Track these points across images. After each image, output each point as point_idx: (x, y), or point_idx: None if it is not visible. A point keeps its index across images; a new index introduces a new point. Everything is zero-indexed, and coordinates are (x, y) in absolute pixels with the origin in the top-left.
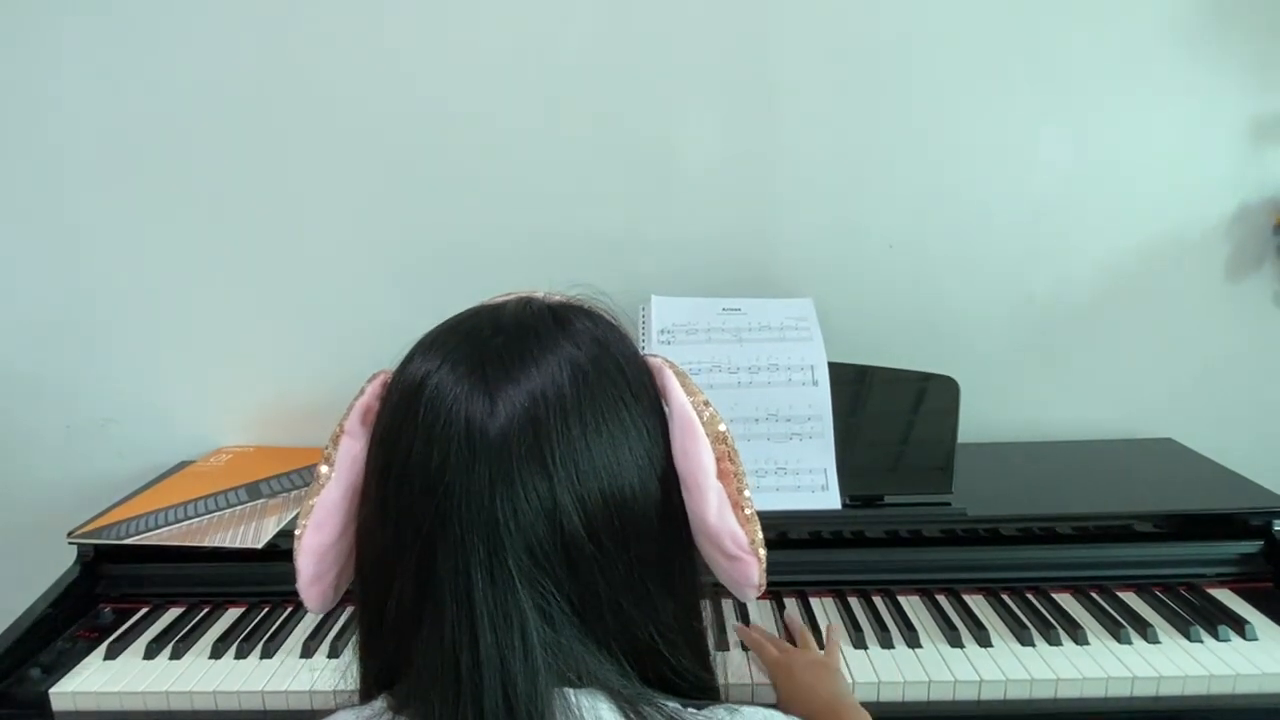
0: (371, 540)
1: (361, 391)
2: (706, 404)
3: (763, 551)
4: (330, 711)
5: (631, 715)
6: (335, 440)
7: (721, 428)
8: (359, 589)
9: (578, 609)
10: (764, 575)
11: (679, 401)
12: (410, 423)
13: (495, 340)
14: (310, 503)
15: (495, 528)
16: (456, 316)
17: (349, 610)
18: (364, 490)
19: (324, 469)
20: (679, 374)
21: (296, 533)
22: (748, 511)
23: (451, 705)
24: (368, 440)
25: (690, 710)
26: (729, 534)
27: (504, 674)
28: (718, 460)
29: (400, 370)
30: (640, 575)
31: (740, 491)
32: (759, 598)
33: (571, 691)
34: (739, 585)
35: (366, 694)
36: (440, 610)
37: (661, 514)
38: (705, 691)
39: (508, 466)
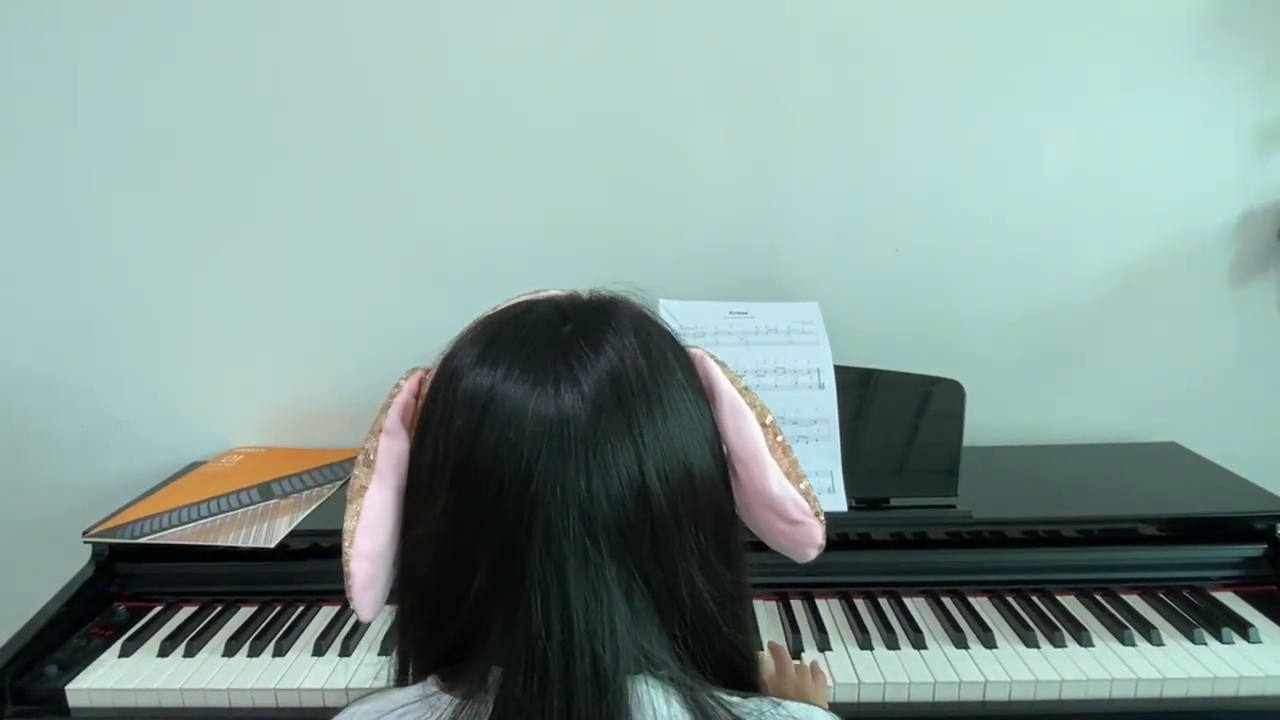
0: (440, 540)
1: (398, 388)
2: (747, 389)
3: (823, 515)
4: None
5: (690, 700)
6: (375, 438)
7: (760, 409)
8: (421, 588)
9: (655, 590)
10: (825, 535)
11: (726, 389)
12: (486, 426)
13: (565, 328)
14: (357, 505)
15: (589, 507)
16: (499, 313)
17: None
18: (421, 491)
19: (364, 470)
20: (720, 363)
21: (345, 540)
22: (803, 485)
23: (538, 686)
24: (410, 439)
25: (739, 702)
26: (792, 501)
27: (593, 653)
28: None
29: (456, 375)
30: (706, 547)
31: (794, 466)
32: (767, 599)
33: (640, 675)
34: (801, 546)
35: (418, 679)
36: (529, 595)
37: (717, 488)
38: (753, 663)
39: (600, 444)
